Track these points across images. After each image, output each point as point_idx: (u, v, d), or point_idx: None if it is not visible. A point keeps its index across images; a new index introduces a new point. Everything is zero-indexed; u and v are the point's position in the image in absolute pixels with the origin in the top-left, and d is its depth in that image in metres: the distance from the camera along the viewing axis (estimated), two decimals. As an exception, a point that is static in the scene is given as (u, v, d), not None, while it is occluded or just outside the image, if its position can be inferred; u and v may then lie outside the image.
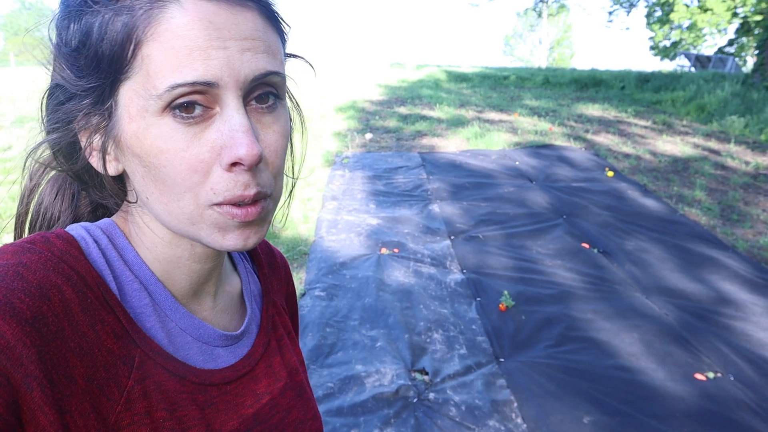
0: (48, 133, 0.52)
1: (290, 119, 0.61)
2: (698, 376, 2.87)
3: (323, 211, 5.18)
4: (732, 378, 2.86)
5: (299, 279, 3.93)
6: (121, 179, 0.55)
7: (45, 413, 0.40)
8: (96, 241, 0.52)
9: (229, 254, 0.69)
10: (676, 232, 4.88)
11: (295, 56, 0.60)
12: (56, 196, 0.60)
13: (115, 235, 0.54)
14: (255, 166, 0.48)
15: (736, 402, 2.67)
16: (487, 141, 7.74)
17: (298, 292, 3.70)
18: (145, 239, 0.55)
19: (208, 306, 0.60)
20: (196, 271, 0.57)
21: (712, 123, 9.37)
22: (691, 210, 5.53)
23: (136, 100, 0.46)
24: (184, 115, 0.46)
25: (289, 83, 0.56)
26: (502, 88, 13.51)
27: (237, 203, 0.48)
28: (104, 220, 0.56)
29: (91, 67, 0.47)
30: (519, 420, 2.49)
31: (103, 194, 0.57)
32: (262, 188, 0.49)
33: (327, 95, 11.21)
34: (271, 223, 0.55)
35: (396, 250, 4.30)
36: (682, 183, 6.36)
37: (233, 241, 0.50)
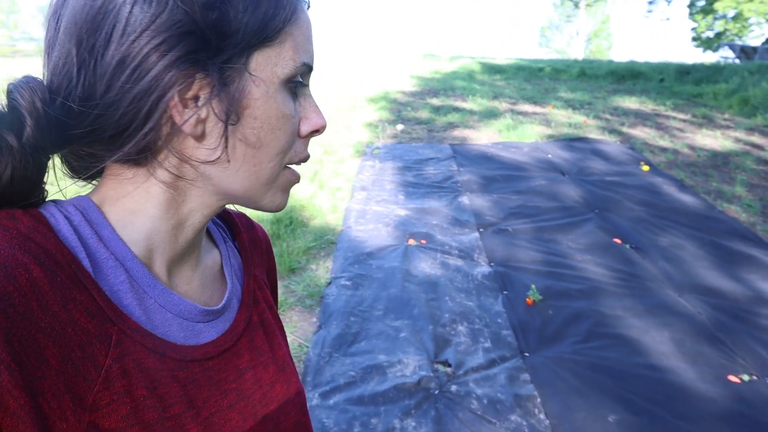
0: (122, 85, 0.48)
1: None
2: (732, 378, 2.78)
3: (352, 201, 5.18)
4: None
5: (325, 268, 3.95)
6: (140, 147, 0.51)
7: (14, 396, 0.39)
8: (67, 218, 0.50)
9: (207, 228, 0.68)
10: (713, 229, 4.73)
11: None
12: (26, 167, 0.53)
13: (90, 211, 0.52)
14: None
15: (771, 405, 2.58)
16: (520, 133, 7.63)
17: (323, 281, 3.73)
18: (149, 209, 0.53)
19: (187, 281, 0.59)
20: (187, 240, 0.57)
21: (756, 117, 9.04)
22: (730, 206, 5.35)
23: (269, 66, 0.53)
24: (296, 90, 0.56)
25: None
26: (536, 80, 13.29)
27: (298, 164, 0.59)
28: (78, 197, 0.54)
29: (239, 28, 0.51)
30: (542, 416, 2.46)
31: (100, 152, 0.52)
32: None
33: (359, 86, 11.20)
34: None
35: (423, 242, 4.27)
36: (721, 178, 6.16)
37: (285, 199, 0.60)
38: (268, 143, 0.54)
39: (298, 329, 3.20)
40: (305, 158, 0.59)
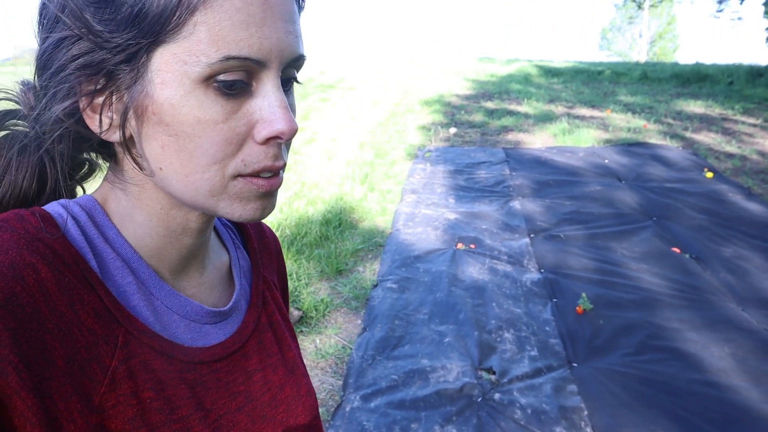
0: (45, 86, 0.49)
1: None
2: (798, 398, 2.61)
3: (402, 203, 5.18)
4: (838, 403, 2.57)
5: (372, 270, 3.95)
6: (107, 147, 0.53)
7: (22, 398, 0.38)
8: (74, 218, 0.50)
9: (217, 231, 0.68)
10: (782, 240, 4.46)
11: None
12: (25, 170, 0.54)
13: (95, 211, 0.52)
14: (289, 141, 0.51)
15: (842, 430, 2.40)
16: (576, 138, 7.43)
17: (370, 283, 3.73)
18: (138, 213, 0.53)
19: (195, 283, 0.59)
20: (186, 245, 0.56)
21: (833, 122, 8.49)
22: (802, 217, 5.03)
23: (176, 65, 0.45)
24: (225, 88, 0.46)
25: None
26: (595, 83, 12.93)
27: (260, 174, 0.49)
28: (83, 197, 0.54)
29: (128, 24, 0.45)
30: (588, 429, 2.37)
31: (123, 159, 0.53)
32: (285, 161, 0.51)
33: (413, 89, 11.20)
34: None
35: (472, 246, 4.22)
36: (793, 187, 5.81)
37: (252, 211, 0.51)
38: (191, 152, 0.47)
39: (343, 331, 3.21)
40: (270, 168, 0.49)
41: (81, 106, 0.48)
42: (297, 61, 0.50)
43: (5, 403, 0.38)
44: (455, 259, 3.99)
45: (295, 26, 0.49)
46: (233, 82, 0.46)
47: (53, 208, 0.50)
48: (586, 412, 2.46)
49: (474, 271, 3.85)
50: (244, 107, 0.47)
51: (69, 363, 0.42)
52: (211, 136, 0.46)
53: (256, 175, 0.49)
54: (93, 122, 0.49)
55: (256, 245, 0.71)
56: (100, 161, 0.57)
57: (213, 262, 0.63)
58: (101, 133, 0.49)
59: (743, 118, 8.86)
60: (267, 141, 0.48)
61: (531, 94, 10.59)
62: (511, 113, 9.02)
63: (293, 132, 0.48)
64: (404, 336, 3.07)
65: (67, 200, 0.53)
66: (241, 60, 0.45)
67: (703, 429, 2.38)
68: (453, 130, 8.05)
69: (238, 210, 0.50)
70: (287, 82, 0.52)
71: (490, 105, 9.75)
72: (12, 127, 0.54)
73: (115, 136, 0.50)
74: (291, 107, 0.51)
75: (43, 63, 0.49)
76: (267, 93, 0.48)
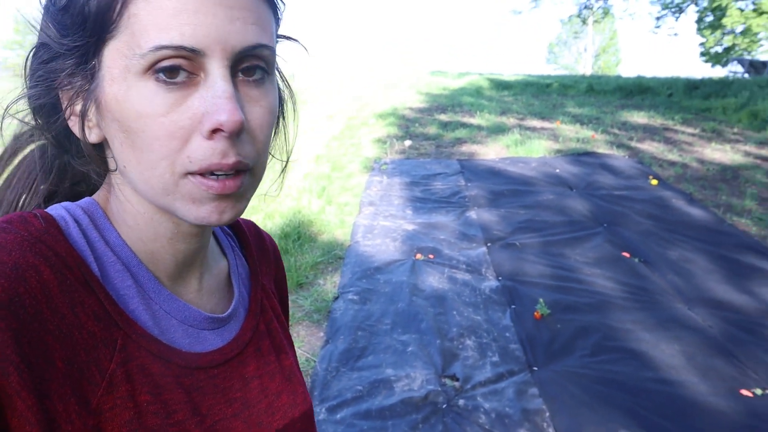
0: (29, 90, 0.51)
1: (282, 99, 0.61)
2: (744, 392, 2.74)
3: (360, 216, 5.20)
4: (780, 395, 2.72)
5: (333, 282, 3.95)
6: (102, 148, 0.54)
7: (23, 398, 0.39)
8: (77, 221, 0.51)
9: (217, 237, 0.67)
10: (723, 243, 4.69)
11: (288, 38, 0.58)
12: (34, 169, 0.58)
13: (97, 214, 0.53)
14: (236, 135, 0.46)
15: (784, 420, 2.54)
16: (528, 148, 7.63)
17: (331, 296, 3.73)
18: (127, 216, 0.53)
19: (193, 288, 0.59)
20: (181, 251, 0.56)
21: (765, 130, 9.00)
22: (740, 220, 5.31)
23: (120, 60, 0.46)
24: (166, 79, 0.45)
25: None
26: (544, 95, 13.32)
27: (214, 173, 0.47)
28: (85, 199, 0.55)
29: (77, 26, 0.47)
30: (550, 430, 2.43)
31: (83, 163, 0.55)
32: (243, 159, 0.48)
33: (368, 103, 11.28)
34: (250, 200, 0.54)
35: (431, 256, 4.27)
36: (731, 192, 6.12)
37: (207, 213, 0.48)
38: (140, 148, 0.46)
39: (306, 344, 3.20)
40: (219, 166, 0.46)
41: (63, 107, 0.51)
42: (254, 50, 0.47)
43: (5, 402, 0.38)
44: (415, 270, 4.03)
45: (245, 12, 0.46)
46: (171, 72, 0.45)
47: (56, 210, 0.51)
48: (547, 414, 2.52)
49: (434, 280, 3.90)
50: (189, 100, 0.46)
51: (68, 365, 0.43)
52: (153, 131, 0.45)
53: (206, 173, 0.47)
54: (72, 123, 0.51)
55: (254, 252, 0.71)
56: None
57: (212, 268, 0.62)
58: (80, 134, 0.51)
59: (683, 128, 9.29)
60: (211, 135, 0.45)
61: (483, 107, 10.83)
62: (464, 125, 9.19)
63: (235, 123, 0.45)
64: (367, 347, 3.08)
65: (70, 203, 0.53)
66: (174, 49, 0.44)
67: (657, 423, 2.48)
68: (408, 142, 8.15)
69: (193, 211, 0.48)
70: (250, 74, 0.49)
71: (443, 117, 9.91)
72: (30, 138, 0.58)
73: (92, 137, 0.51)
74: (254, 100, 0.49)
75: (24, 70, 0.51)
76: (211, 83, 0.45)
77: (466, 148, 7.89)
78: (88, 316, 0.46)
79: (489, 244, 4.53)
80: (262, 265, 0.72)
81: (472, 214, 5.21)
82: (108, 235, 0.52)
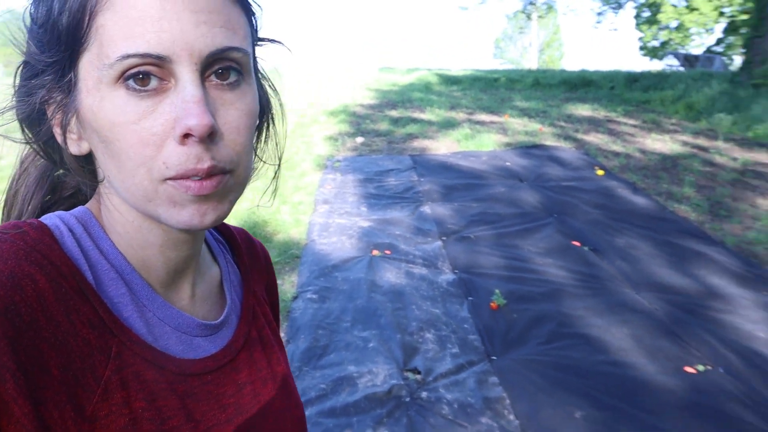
0: (16, 104, 0.53)
1: (267, 101, 0.62)
2: (688, 369, 2.89)
3: (315, 214, 5.19)
4: (721, 370, 2.88)
5: (291, 282, 3.94)
6: (92, 159, 0.54)
7: (19, 405, 0.39)
8: (71, 230, 0.51)
9: (208, 244, 0.68)
10: (665, 229, 4.91)
11: (272, 41, 0.59)
12: (36, 181, 0.60)
13: (90, 223, 0.54)
14: (208, 139, 0.46)
15: (726, 394, 2.69)
16: (478, 142, 7.77)
17: (290, 296, 3.71)
18: (117, 225, 0.54)
19: (186, 296, 0.59)
20: (172, 258, 0.56)
21: (700, 121, 9.44)
22: (680, 206, 5.57)
23: (93, 71, 0.46)
24: (137, 87, 0.45)
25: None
26: (492, 90, 13.56)
27: (191, 177, 0.47)
28: (79, 208, 0.55)
29: (53, 41, 0.48)
30: (511, 417, 2.51)
31: (74, 175, 0.57)
32: (219, 163, 0.48)
33: (318, 100, 11.23)
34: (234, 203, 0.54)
35: (387, 252, 4.31)
36: (671, 180, 6.40)
37: (189, 216, 0.48)
38: (118, 157, 0.47)
39: (266, 344, 3.18)
40: (195, 171, 0.46)
41: (49, 116, 0.52)
42: (222, 53, 0.47)
43: (1, 409, 0.38)
44: (372, 266, 4.06)
45: (211, 15, 0.46)
46: (142, 80, 0.45)
47: (50, 220, 0.51)
48: (508, 401, 2.60)
49: (391, 276, 3.93)
50: (161, 106, 0.46)
51: (64, 372, 0.43)
52: (127, 139, 0.46)
53: (188, 177, 0.47)
54: (58, 136, 0.53)
55: (246, 260, 0.71)
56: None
57: (204, 275, 0.63)
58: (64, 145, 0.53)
59: (625, 120, 9.64)
60: (183, 140, 0.46)
61: (433, 102, 10.95)
62: (415, 121, 9.28)
63: (204, 127, 0.45)
64: (329, 345, 3.09)
65: (64, 212, 0.53)
66: (140, 57, 0.44)
67: (610, 404, 2.58)
68: (360, 139, 8.16)
69: (175, 215, 0.48)
70: (223, 77, 0.49)
71: (394, 113, 9.97)
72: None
73: (80, 148, 0.53)
74: (228, 103, 0.49)
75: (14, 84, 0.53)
76: (181, 89, 0.46)
77: (417, 143, 7.96)
78: (83, 324, 0.46)
79: (444, 238, 4.60)
80: (253, 272, 0.72)
81: (426, 209, 5.27)
82: (101, 243, 0.53)
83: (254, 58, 0.56)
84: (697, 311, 3.51)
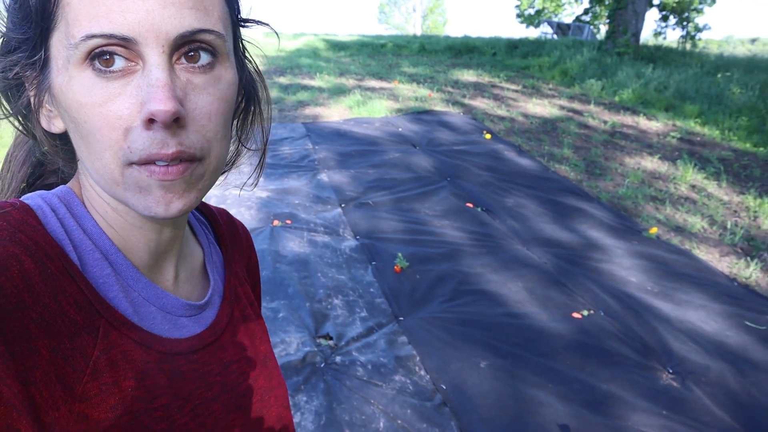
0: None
1: (250, 85, 0.61)
2: (575, 314, 3.17)
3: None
4: (602, 313, 3.20)
5: (190, 257, 3.81)
6: (68, 138, 0.53)
7: (8, 386, 0.39)
8: (53, 210, 0.50)
9: (191, 225, 0.68)
10: (549, 188, 5.28)
11: (257, 22, 0.58)
12: (23, 159, 0.59)
13: (73, 203, 0.52)
14: (175, 124, 0.45)
15: (607, 333, 3.00)
16: (370, 109, 7.83)
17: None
18: (97, 205, 0.53)
19: (170, 277, 0.59)
20: (153, 240, 0.55)
21: (574, 86, 10.13)
22: (560, 167, 5.99)
23: (62, 50, 0.45)
24: (102, 68, 0.44)
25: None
26: (380, 56, 13.63)
27: (155, 162, 0.45)
28: (61, 188, 0.53)
29: (25, 18, 0.47)
30: (422, 372, 2.63)
31: (48, 153, 0.55)
32: (187, 149, 0.46)
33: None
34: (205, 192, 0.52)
35: (288, 222, 4.27)
36: (551, 142, 6.86)
37: (154, 203, 0.47)
38: (86, 138, 0.46)
39: (170, 323, 3.08)
40: (159, 156, 0.45)
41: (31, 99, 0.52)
42: (192, 35, 0.45)
43: None
44: (274, 236, 4.02)
45: None
46: (107, 60, 0.44)
47: (32, 200, 0.50)
48: (418, 358, 2.72)
49: (294, 245, 3.92)
50: (128, 89, 0.44)
51: (52, 352, 0.43)
52: (93, 121, 0.44)
53: (152, 162, 0.45)
54: (40, 117, 0.52)
55: (227, 240, 0.71)
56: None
57: (187, 257, 0.63)
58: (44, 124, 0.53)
59: (507, 85, 10.12)
60: (149, 125, 0.44)
61: (322, 68, 10.82)
62: (305, 88, 9.14)
63: (167, 113, 0.43)
64: (236, 318, 3.04)
65: (45, 191, 0.52)
66: (105, 38, 0.42)
67: (511, 351, 2.79)
68: (251, 107, 7.93)
69: (141, 201, 0.47)
70: (193, 59, 0.47)
71: (283, 80, 9.75)
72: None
73: (57, 127, 0.52)
74: (200, 87, 0.47)
75: None
76: (147, 72, 0.44)
77: (309, 111, 7.88)
78: (70, 305, 0.45)
79: (343, 205, 4.64)
80: (235, 252, 0.72)
81: (324, 177, 5.27)
82: (85, 223, 0.52)
83: (236, 40, 0.55)
84: (580, 262, 3.84)
